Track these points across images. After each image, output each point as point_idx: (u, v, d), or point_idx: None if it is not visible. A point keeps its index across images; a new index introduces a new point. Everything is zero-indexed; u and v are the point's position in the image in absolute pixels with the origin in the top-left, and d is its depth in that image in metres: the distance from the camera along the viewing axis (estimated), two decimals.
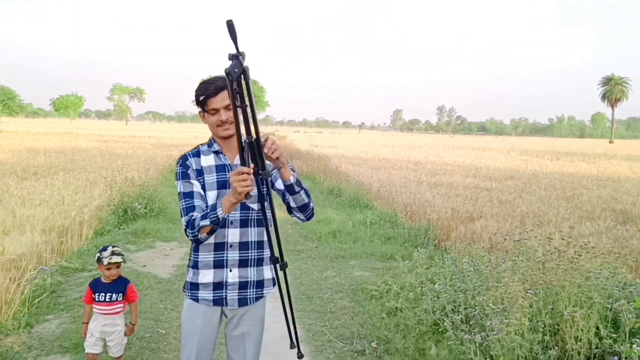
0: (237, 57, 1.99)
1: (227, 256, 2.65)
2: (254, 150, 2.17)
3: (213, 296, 2.68)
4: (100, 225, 9.08)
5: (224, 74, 2.02)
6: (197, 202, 2.54)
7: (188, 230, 2.50)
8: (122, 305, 3.87)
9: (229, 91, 2.05)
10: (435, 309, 4.91)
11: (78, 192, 9.36)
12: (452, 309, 4.61)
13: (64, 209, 8.00)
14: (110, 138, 34.56)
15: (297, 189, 2.57)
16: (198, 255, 2.66)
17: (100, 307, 3.79)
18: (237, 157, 2.57)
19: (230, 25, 1.95)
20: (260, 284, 2.79)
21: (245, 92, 2.05)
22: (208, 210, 2.45)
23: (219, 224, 2.45)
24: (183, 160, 2.67)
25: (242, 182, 2.19)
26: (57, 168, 13.36)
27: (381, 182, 13.85)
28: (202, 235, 2.49)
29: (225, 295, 2.69)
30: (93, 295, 3.79)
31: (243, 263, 2.68)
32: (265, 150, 2.26)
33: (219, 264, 2.65)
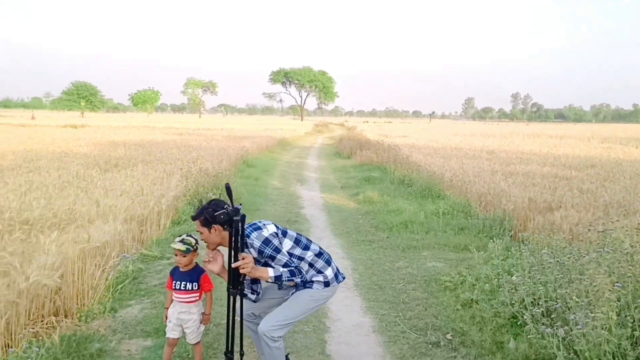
0: (225, 210, 3.39)
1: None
2: (234, 273, 3.39)
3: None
4: (177, 214, 9.38)
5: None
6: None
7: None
8: (197, 294, 3.96)
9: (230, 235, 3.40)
10: (513, 302, 4.76)
11: (156, 183, 9.70)
12: (532, 302, 4.45)
13: (143, 199, 8.31)
14: (184, 131, 35.55)
15: (279, 283, 3.61)
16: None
17: (178, 295, 3.90)
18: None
19: (227, 188, 3.33)
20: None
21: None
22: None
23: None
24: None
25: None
26: (136, 160, 13.87)
27: (453, 171, 13.54)
28: None
29: None
30: (172, 283, 3.91)
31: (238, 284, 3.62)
32: (240, 264, 3.33)
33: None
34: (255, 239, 3.48)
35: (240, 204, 3.32)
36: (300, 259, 3.64)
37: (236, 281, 3.32)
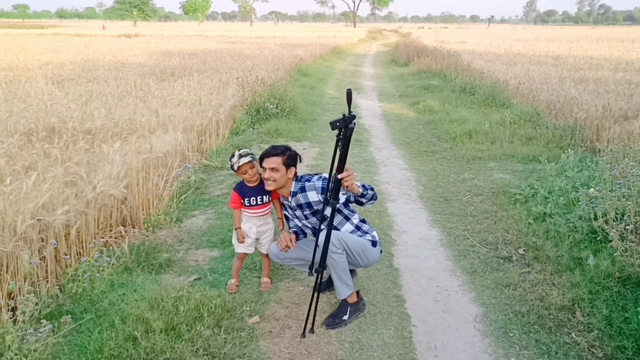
0: (344, 116, 3.02)
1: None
2: (336, 185, 3.18)
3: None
4: (235, 125, 9.30)
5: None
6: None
7: None
8: (270, 204, 3.86)
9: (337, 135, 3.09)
10: (592, 216, 4.48)
11: (212, 93, 9.58)
12: (615, 217, 4.17)
13: (201, 108, 8.22)
14: (237, 39, 35.03)
15: (364, 200, 3.53)
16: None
17: (253, 211, 3.77)
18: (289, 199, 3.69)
19: (348, 94, 3.05)
20: None
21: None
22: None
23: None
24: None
25: (283, 242, 3.55)
26: (191, 69, 13.76)
27: (519, 78, 12.86)
28: None
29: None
30: (242, 200, 3.77)
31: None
32: (344, 175, 3.15)
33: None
34: (316, 181, 3.56)
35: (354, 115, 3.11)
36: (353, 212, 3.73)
37: (337, 193, 3.19)
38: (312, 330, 3.41)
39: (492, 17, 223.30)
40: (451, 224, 5.38)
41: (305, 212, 3.61)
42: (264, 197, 3.76)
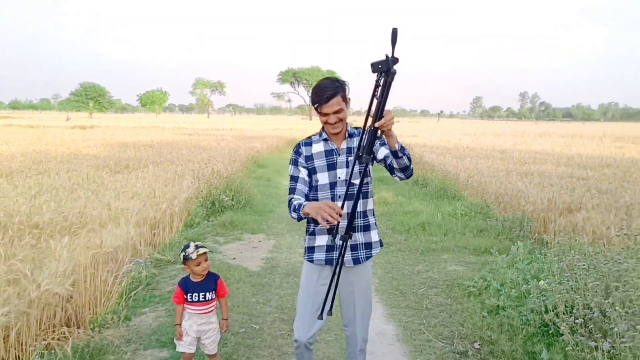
0: (386, 58, 2.55)
1: (337, 225, 2.91)
2: (372, 136, 2.68)
3: (325, 256, 3.24)
4: (190, 217, 9.21)
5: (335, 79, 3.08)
6: (300, 186, 3.17)
7: (289, 207, 3.12)
8: (216, 302, 3.78)
9: (378, 81, 2.61)
10: (544, 309, 4.55)
11: (167, 185, 9.52)
12: (564, 312, 4.23)
13: (155, 201, 8.13)
14: (193, 131, 35.42)
15: (400, 154, 2.94)
16: (315, 225, 3.25)
17: (195, 308, 3.69)
18: (344, 142, 3.20)
19: (394, 33, 2.55)
20: (369, 246, 3.31)
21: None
22: (297, 208, 3.02)
23: (302, 219, 3.02)
24: (297, 148, 3.28)
25: (328, 214, 2.71)
26: (147, 161, 13.72)
27: (468, 171, 13.31)
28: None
29: (337, 256, 2.97)
30: (185, 296, 3.70)
31: (351, 229, 3.00)
32: (383, 122, 2.65)
33: (330, 231, 3.16)
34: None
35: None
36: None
37: (371, 148, 2.71)
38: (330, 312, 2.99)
39: (442, 112, 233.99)
40: (407, 317, 5.35)
41: (350, 158, 3.18)
42: (207, 293, 3.68)
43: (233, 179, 11.49)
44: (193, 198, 9.69)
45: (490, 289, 5.71)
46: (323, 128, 3.22)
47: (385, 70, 2.57)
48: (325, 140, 3.21)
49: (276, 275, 6.67)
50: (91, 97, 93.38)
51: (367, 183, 3.18)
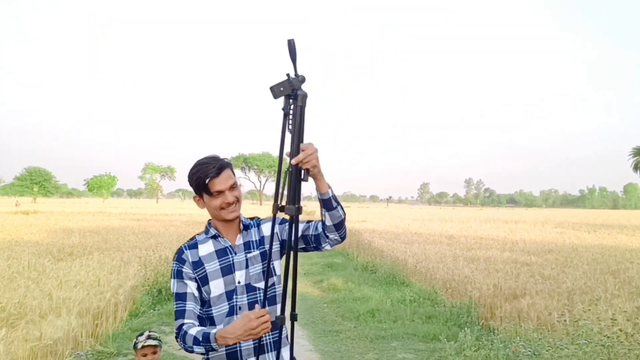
0: (288, 77, 2.07)
1: (240, 346, 2.41)
2: (294, 180, 2.13)
3: None
4: (135, 306, 8.96)
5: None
6: (190, 305, 2.43)
7: (178, 340, 2.36)
8: None
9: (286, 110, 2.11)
10: None
11: (113, 272, 9.32)
12: None
13: (99, 290, 7.93)
14: (142, 216, 34.93)
15: (334, 203, 2.36)
16: (207, 354, 2.44)
17: None
18: (237, 237, 2.52)
19: (290, 45, 2.05)
20: None
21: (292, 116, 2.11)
22: (201, 339, 2.25)
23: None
24: (179, 254, 2.52)
25: (264, 324, 2.14)
26: (92, 248, 13.41)
27: (416, 257, 13.53)
28: (195, 352, 2.32)
29: None
30: None
31: (260, 350, 2.43)
32: (301, 157, 2.12)
33: (232, 357, 2.43)
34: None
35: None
36: None
37: (294, 193, 2.15)
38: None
39: (390, 197, 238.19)
40: None
41: (250, 255, 2.51)
42: None
43: None
44: (139, 286, 9.47)
45: None
46: (209, 223, 2.59)
47: (289, 93, 2.10)
48: (215, 237, 2.54)
49: None
50: (36, 182, 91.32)
51: (273, 284, 2.52)
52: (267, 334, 2.35)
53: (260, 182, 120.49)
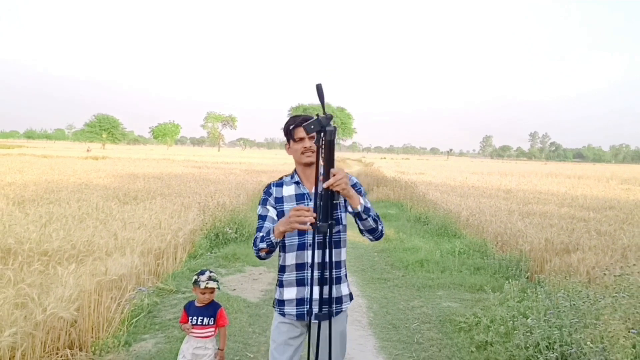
0: (317, 117, 2.46)
1: (307, 275, 2.94)
2: (326, 200, 2.48)
3: (296, 311, 2.98)
4: (194, 248, 9.44)
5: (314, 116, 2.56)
6: (267, 224, 2.93)
7: (254, 247, 2.88)
8: (213, 329, 4.01)
9: (317, 143, 2.48)
10: (528, 345, 4.71)
11: (173, 217, 9.80)
12: (547, 346, 4.40)
13: (160, 232, 8.40)
14: (203, 164, 35.92)
15: (364, 216, 2.80)
16: (283, 275, 3.02)
17: (193, 330, 3.95)
18: (314, 187, 2.76)
19: (319, 89, 2.42)
20: (339, 300, 3.05)
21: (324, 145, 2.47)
22: (265, 234, 2.80)
23: (274, 247, 2.79)
24: (267, 189, 3.08)
25: (298, 217, 2.55)
26: (155, 193, 14.04)
27: (470, 210, 13.49)
28: (262, 254, 2.83)
29: (309, 309, 2.93)
30: (188, 318, 3.97)
31: (322, 281, 2.77)
32: (332, 181, 2.47)
33: (300, 282, 2.96)
34: (351, 175, 2.92)
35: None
36: None
37: (326, 212, 2.47)
38: None
39: (451, 150, 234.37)
40: (397, 351, 5.52)
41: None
42: (206, 319, 3.93)
43: (237, 212, 11.75)
44: (198, 230, 9.95)
45: (481, 325, 5.87)
46: (295, 170, 3.08)
47: (319, 129, 2.46)
48: (297, 183, 3.03)
49: None
50: (104, 129, 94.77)
51: (338, 232, 2.97)
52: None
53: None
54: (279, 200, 3.01)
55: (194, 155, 58.95)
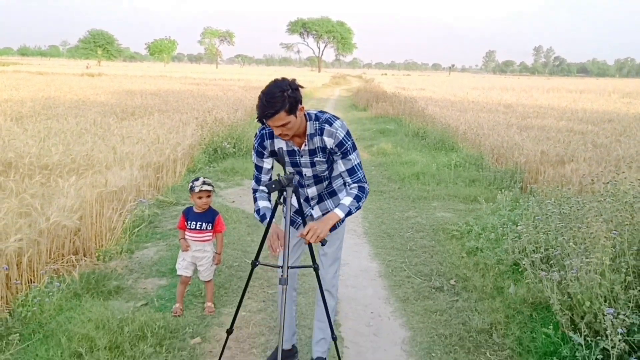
0: (279, 178, 2.73)
1: (307, 192, 3.24)
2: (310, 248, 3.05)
3: (292, 217, 3.15)
4: (192, 163, 9.56)
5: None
6: (264, 177, 3.15)
7: (254, 201, 3.19)
8: (211, 234, 4.17)
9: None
10: (515, 250, 4.89)
11: (172, 132, 9.84)
12: (533, 250, 4.57)
13: (159, 147, 8.46)
14: (201, 81, 35.47)
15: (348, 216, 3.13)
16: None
17: (191, 234, 4.10)
18: (303, 144, 3.00)
19: (281, 157, 3.03)
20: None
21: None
22: (262, 214, 3.10)
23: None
24: (261, 140, 3.07)
25: (271, 245, 3.00)
26: (153, 109, 14.01)
27: (468, 124, 13.49)
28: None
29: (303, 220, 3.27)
30: (185, 223, 4.11)
31: (320, 200, 3.29)
32: (305, 240, 2.89)
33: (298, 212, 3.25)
34: (339, 128, 2.94)
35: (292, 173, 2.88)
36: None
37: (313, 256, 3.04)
38: None
39: (453, 65, 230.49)
40: (391, 257, 5.73)
41: (316, 159, 3.03)
42: (204, 224, 4.08)
43: (235, 128, 11.79)
44: (196, 145, 10.02)
45: (472, 233, 6.06)
46: None
47: (279, 188, 2.75)
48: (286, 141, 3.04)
49: None
50: (99, 45, 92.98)
51: (330, 183, 3.24)
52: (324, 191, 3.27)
53: (319, 48, 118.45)
54: (274, 153, 3.09)
55: (192, 72, 58.08)
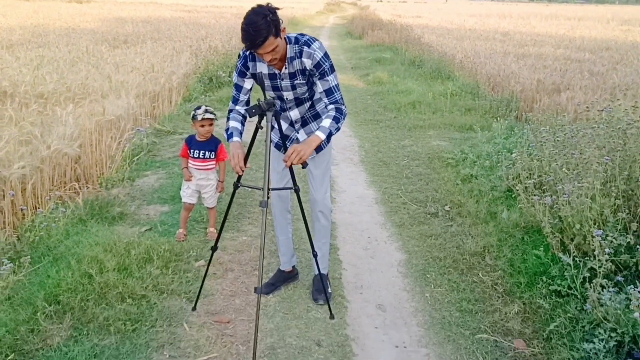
0: (259, 103, 2.73)
1: (290, 116, 3.28)
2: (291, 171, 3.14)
3: (277, 140, 3.41)
4: (188, 92, 9.51)
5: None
6: (242, 97, 3.18)
7: (228, 114, 3.27)
8: (214, 163, 4.24)
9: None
10: (509, 176, 4.99)
11: (166, 60, 9.73)
12: (527, 176, 4.68)
13: (154, 75, 8.40)
14: (193, 8, 34.52)
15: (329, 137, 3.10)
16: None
17: (195, 163, 4.17)
18: (284, 67, 3.00)
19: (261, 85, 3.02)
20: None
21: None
22: (228, 132, 3.14)
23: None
24: (245, 61, 3.07)
25: (233, 164, 2.97)
26: (145, 37, 13.75)
27: (465, 52, 13.36)
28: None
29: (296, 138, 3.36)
30: (188, 151, 4.16)
31: (304, 123, 3.33)
32: (288, 163, 2.90)
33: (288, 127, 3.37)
34: (317, 50, 2.95)
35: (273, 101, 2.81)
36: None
37: (293, 178, 3.11)
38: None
39: None
40: (387, 184, 5.84)
41: (296, 81, 3.06)
42: (207, 152, 4.14)
43: (230, 56, 11.64)
44: (191, 74, 9.94)
45: (467, 161, 6.15)
46: None
47: (259, 113, 2.76)
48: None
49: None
50: None
51: (312, 106, 3.28)
52: (308, 114, 3.31)
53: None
54: (256, 76, 3.05)
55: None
